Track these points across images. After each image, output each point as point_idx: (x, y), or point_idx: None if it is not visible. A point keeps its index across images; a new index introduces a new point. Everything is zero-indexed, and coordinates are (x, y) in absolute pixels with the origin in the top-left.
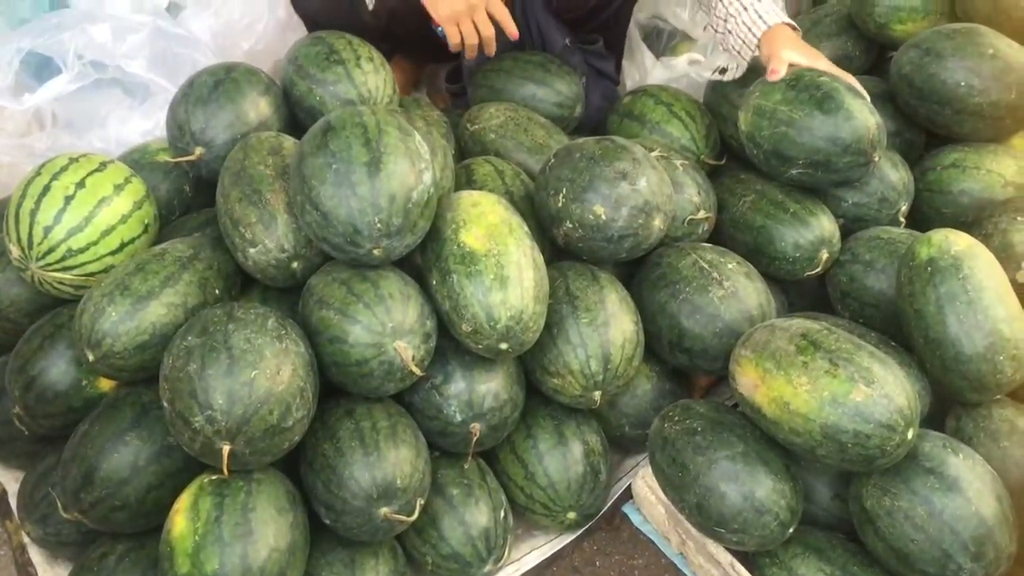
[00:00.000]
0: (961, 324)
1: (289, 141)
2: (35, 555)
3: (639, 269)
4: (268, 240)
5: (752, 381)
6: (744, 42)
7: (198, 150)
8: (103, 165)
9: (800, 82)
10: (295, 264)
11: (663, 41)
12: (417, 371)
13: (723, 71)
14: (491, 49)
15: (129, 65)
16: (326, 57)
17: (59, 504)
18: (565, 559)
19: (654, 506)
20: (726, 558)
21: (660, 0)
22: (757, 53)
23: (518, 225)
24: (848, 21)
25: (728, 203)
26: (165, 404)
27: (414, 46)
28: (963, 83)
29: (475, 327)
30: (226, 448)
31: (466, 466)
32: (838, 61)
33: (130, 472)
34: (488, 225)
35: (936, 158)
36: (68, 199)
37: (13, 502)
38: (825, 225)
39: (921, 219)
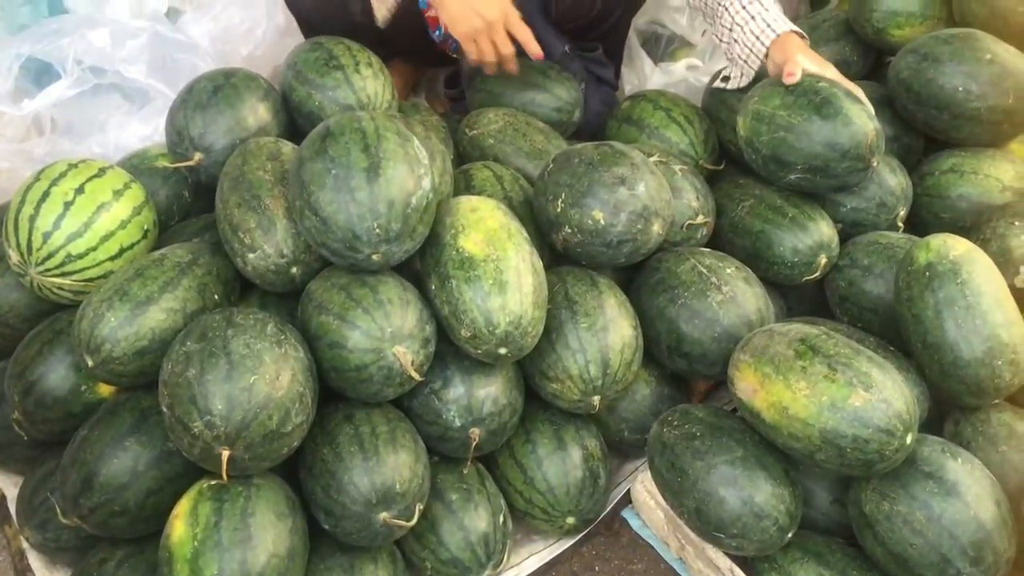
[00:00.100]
0: (959, 329)
1: (288, 146)
2: (34, 560)
3: (638, 274)
4: (267, 245)
5: (751, 386)
6: (751, 51)
7: (197, 155)
8: (102, 171)
9: (799, 87)
10: (294, 269)
11: (662, 46)
12: (416, 376)
13: (726, 79)
14: (511, 67)
15: (128, 70)
16: (325, 63)
17: (58, 509)
18: (564, 564)
19: (653, 511)
20: (725, 563)
21: (659, 5)
22: (764, 62)
23: (517, 230)
24: (846, 26)
25: (727, 208)
26: (164, 409)
27: (412, 51)
28: (961, 88)
29: (474, 332)
30: (225, 453)
31: (465, 471)
32: (836, 66)
33: (129, 477)
34: (487, 230)
35: (934, 163)
36: (67, 205)
37: (12, 507)
38: (824, 230)
39: (919, 224)
